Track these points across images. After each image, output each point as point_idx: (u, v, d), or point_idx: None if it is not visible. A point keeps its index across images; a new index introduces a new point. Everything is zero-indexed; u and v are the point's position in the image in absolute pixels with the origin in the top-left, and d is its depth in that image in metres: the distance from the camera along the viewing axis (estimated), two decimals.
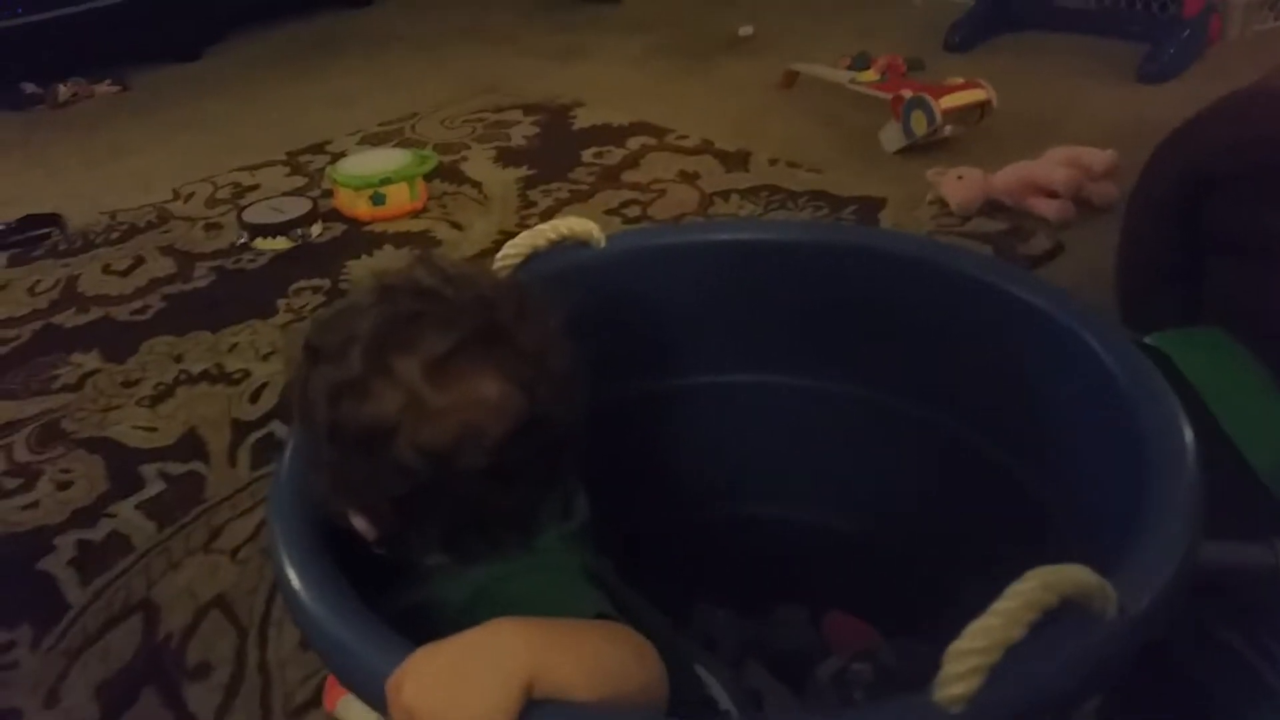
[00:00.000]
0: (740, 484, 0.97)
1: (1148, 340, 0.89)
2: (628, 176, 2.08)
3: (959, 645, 0.45)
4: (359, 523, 0.64)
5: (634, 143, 2.23)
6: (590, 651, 0.53)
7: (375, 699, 0.52)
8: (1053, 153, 1.80)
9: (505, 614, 0.53)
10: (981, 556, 0.73)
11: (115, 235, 2.04)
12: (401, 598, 0.64)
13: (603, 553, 0.73)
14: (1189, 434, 0.59)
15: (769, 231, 0.95)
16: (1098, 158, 1.76)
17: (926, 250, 0.85)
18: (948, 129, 2.01)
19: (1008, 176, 1.80)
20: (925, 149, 2.02)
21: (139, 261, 1.93)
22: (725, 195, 1.96)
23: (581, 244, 0.86)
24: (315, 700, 1.01)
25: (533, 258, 0.83)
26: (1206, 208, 1.10)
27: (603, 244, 0.87)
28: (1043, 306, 0.73)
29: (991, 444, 0.80)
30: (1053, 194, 1.75)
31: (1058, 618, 0.46)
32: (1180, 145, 1.13)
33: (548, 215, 1.95)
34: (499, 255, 0.84)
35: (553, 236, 0.85)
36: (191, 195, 2.18)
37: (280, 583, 0.61)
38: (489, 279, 0.68)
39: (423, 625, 0.55)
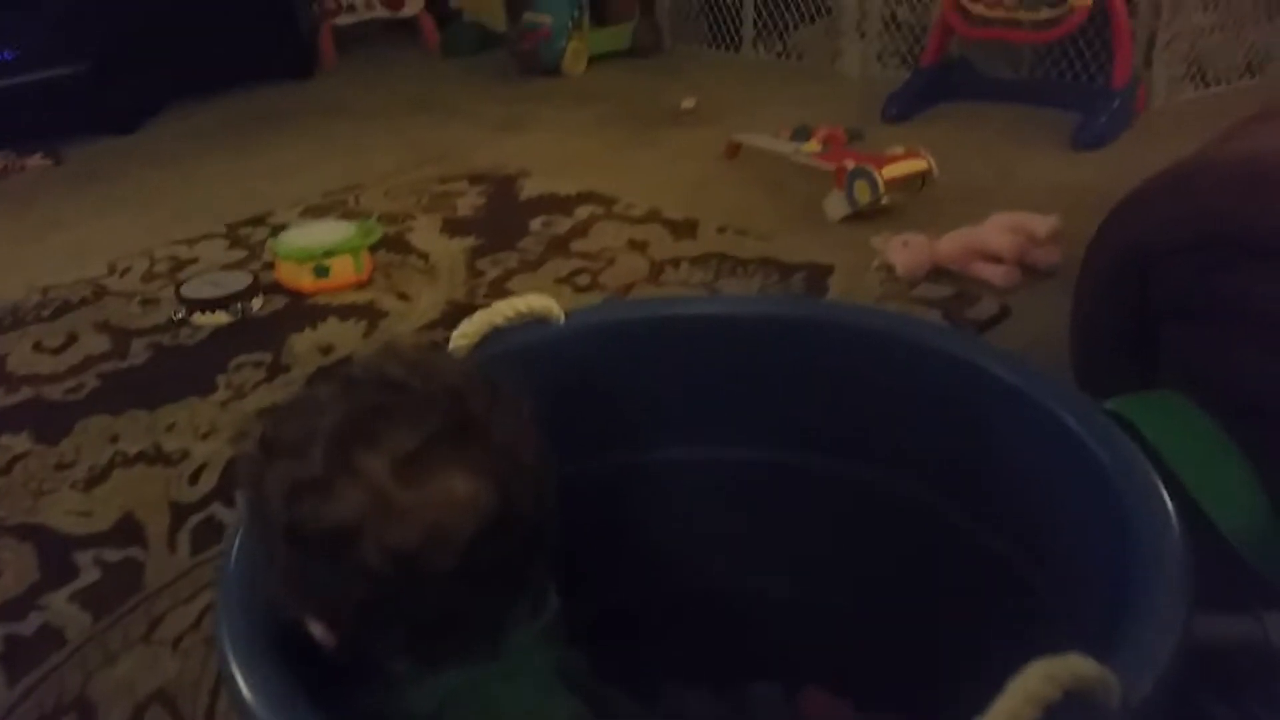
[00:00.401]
0: (711, 559, 0.95)
1: (1108, 405, 0.89)
2: (577, 245, 2.08)
3: None
4: (316, 629, 0.61)
5: (582, 212, 2.23)
6: None
7: None
8: (996, 219, 1.83)
9: None
10: (962, 630, 0.71)
11: (47, 312, 1.98)
12: (361, 703, 0.60)
13: (571, 635, 0.70)
14: (1173, 512, 0.58)
15: (730, 306, 0.94)
16: (1040, 223, 1.79)
17: (894, 325, 0.84)
18: (885, 198, 2.03)
19: (953, 243, 1.82)
20: (869, 217, 2.04)
21: (72, 339, 1.87)
22: (675, 263, 1.96)
23: (540, 321, 0.85)
24: None
25: (490, 335, 0.82)
26: (1154, 277, 1.12)
27: (562, 320, 0.85)
28: (1016, 382, 0.73)
29: (970, 519, 0.79)
30: (997, 259, 1.78)
31: (1061, 710, 0.45)
32: (1125, 218, 1.15)
33: (496, 285, 1.94)
34: (455, 333, 0.81)
35: (510, 314, 0.83)
36: (128, 270, 2.13)
37: (229, 689, 0.57)
38: (457, 368, 0.65)
39: None
